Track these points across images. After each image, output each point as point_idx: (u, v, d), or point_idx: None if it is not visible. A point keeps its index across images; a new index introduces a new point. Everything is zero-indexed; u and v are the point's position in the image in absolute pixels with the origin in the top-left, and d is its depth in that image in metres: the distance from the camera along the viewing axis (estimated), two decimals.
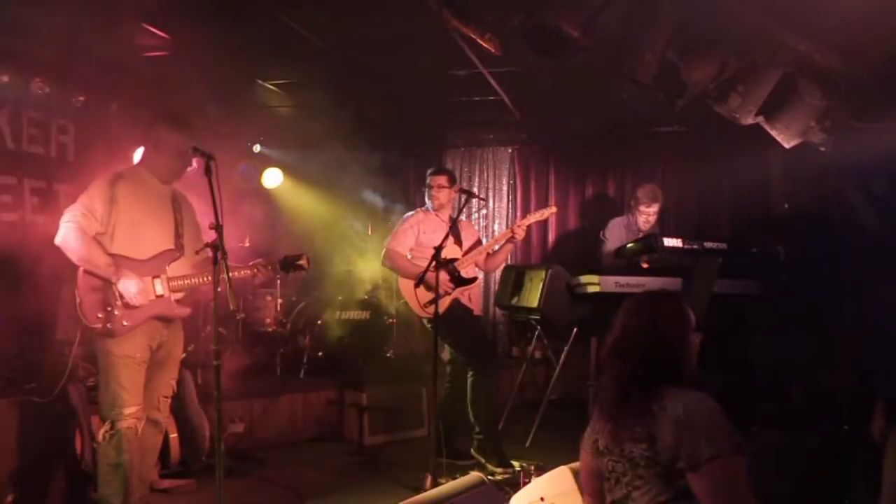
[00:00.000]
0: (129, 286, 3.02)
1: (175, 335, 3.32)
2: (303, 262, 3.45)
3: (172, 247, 3.24)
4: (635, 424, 1.85)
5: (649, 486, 1.82)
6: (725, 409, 1.81)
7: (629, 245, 4.59)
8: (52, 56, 3.98)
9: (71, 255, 3.00)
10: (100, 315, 3.02)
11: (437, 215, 4.51)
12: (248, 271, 3.36)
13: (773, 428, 4.00)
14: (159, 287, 3.16)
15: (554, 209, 4.82)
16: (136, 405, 3.08)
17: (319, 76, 4.83)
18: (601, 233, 5.25)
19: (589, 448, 2.04)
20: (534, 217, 4.56)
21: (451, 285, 4.24)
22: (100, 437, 3.07)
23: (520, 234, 4.37)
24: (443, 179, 4.51)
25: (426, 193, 4.58)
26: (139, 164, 3.35)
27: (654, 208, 5.07)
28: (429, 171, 4.64)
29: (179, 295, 3.24)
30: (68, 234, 2.99)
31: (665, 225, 6.00)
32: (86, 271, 3.03)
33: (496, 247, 4.64)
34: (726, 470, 1.70)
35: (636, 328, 1.97)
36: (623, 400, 1.91)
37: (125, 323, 3.04)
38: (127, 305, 3.04)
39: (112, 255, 3.06)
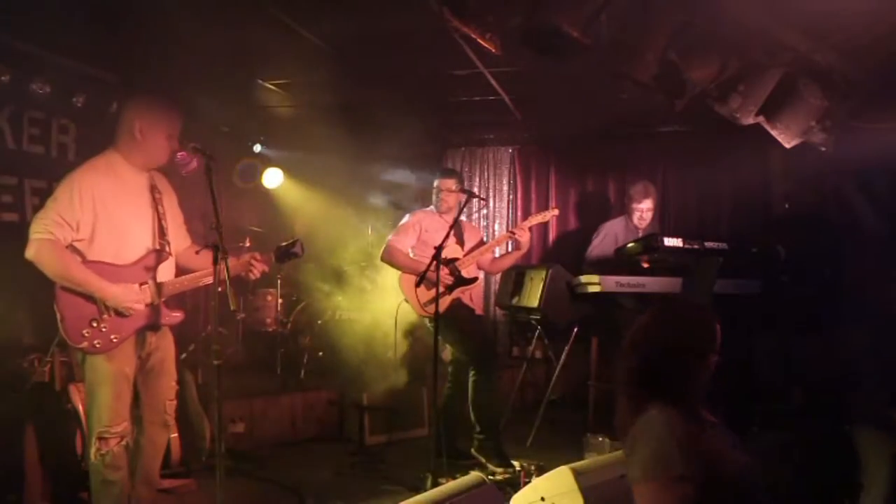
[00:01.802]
0: (118, 297, 2.79)
1: (165, 340, 3.12)
2: (296, 249, 3.24)
3: (158, 246, 2.99)
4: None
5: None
6: (725, 410, 1.80)
7: (629, 245, 4.60)
8: (53, 56, 3.98)
9: (46, 272, 2.72)
10: (85, 333, 2.77)
11: (441, 216, 4.51)
12: (242, 267, 3.16)
13: (774, 428, 4.00)
14: (148, 294, 2.92)
15: (556, 211, 4.83)
16: (123, 422, 2.91)
17: (319, 76, 4.83)
18: (594, 234, 5.27)
19: None
20: (536, 219, 4.57)
21: (451, 279, 4.24)
22: (92, 456, 2.89)
23: (522, 235, 4.36)
24: (452, 183, 4.50)
25: (434, 195, 4.57)
26: (114, 149, 2.94)
27: (647, 204, 5.07)
28: (438, 173, 4.64)
29: (168, 299, 3.05)
30: (40, 248, 2.69)
31: (665, 225, 6.00)
32: (63, 287, 2.77)
33: (497, 248, 4.65)
34: (655, 496, 1.70)
35: (647, 330, 1.93)
36: (625, 399, 1.90)
37: (113, 338, 2.82)
38: (118, 315, 2.83)
39: (93, 263, 2.80)
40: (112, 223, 2.85)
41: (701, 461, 1.69)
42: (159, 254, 2.98)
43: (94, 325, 2.79)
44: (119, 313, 2.84)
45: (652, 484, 1.70)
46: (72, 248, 2.80)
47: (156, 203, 3.03)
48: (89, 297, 2.78)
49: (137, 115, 2.92)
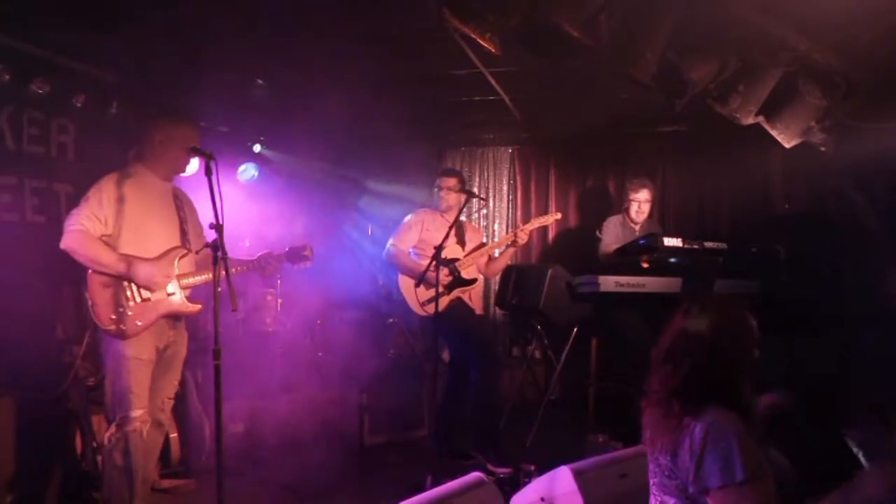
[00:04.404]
0: (148, 274, 3.03)
1: (180, 335, 3.34)
2: (307, 252, 3.51)
3: (179, 244, 3.25)
4: (666, 434, 1.81)
5: (674, 497, 1.81)
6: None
7: (629, 245, 4.60)
8: (54, 56, 3.98)
9: (79, 259, 2.99)
10: (113, 316, 3.01)
11: (442, 216, 4.52)
12: (256, 265, 3.39)
13: (773, 428, 4.00)
14: (170, 285, 3.16)
15: (558, 215, 4.82)
16: (142, 408, 3.09)
17: (319, 76, 4.83)
18: (597, 231, 5.24)
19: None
20: (537, 222, 4.57)
21: (450, 278, 4.24)
22: (106, 439, 3.08)
23: (522, 238, 4.36)
24: (453, 182, 4.52)
25: (435, 194, 4.60)
26: (139, 162, 3.30)
27: (644, 195, 5.05)
28: (440, 172, 4.66)
29: (188, 292, 3.26)
30: (74, 238, 2.97)
31: (665, 225, 6.00)
32: (96, 271, 3.01)
33: (497, 251, 4.64)
34: (737, 498, 1.66)
35: (695, 335, 1.85)
36: (667, 406, 1.84)
37: (138, 323, 3.05)
38: (144, 301, 3.06)
39: (120, 256, 3.05)
40: (136, 223, 3.12)
41: (767, 460, 1.70)
42: (180, 250, 3.24)
43: (121, 310, 3.04)
44: (146, 295, 3.06)
45: (736, 487, 1.65)
46: (101, 240, 3.05)
47: (178, 209, 3.34)
48: (119, 285, 3.03)
49: (159, 131, 3.25)
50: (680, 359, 1.85)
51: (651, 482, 1.95)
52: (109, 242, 3.05)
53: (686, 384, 1.81)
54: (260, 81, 5.20)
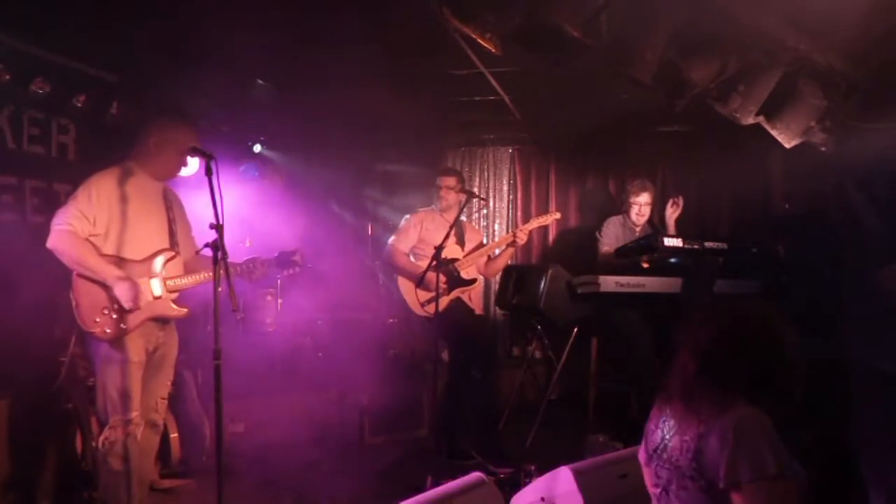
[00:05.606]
0: (124, 292, 2.96)
1: (170, 337, 3.30)
2: (297, 258, 3.46)
3: (167, 246, 3.21)
4: (687, 432, 1.78)
5: (695, 499, 1.75)
6: None
7: (629, 245, 4.60)
8: (53, 56, 3.98)
9: (64, 260, 2.94)
10: (97, 319, 2.98)
11: (441, 215, 4.52)
12: (243, 269, 3.36)
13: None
14: (156, 288, 3.12)
15: (558, 215, 4.82)
16: (134, 410, 3.05)
17: (318, 76, 4.83)
18: (596, 232, 5.24)
19: (640, 455, 1.98)
20: (536, 222, 4.57)
21: (445, 287, 4.24)
22: (100, 443, 3.04)
23: (521, 238, 4.37)
24: (452, 181, 4.52)
25: (434, 194, 4.60)
26: (131, 160, 3.24)
27: (644, 198, 5.05)
28: (439, 171, 4.66)
29: (175, 295, 3.21)
30: (60, 237, 2.92)
31: (665, 225, 6.00)
32: (80, 274, 2.98)
33: (497, 251, 4.64)
34: (768, 494, 1.64)
35: (716, 337, 1.83)
36: (688, 407, 1.81)
37: (123, 326, 3.01)
38: (124, 309, 3.00)
39: (106, 257, 3.01)
40: (125, 222, 3.07)
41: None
42: (168, 252, 3.20)
43: (106, 312, 2.99)
44: (123, 309, 2.99)
45: (767, 482, 1.63)
46: (88, 241, 3.00)
47: (167, 209, 3.29)
48: (103, 287, 2.98)
49: (154, 131, 3.22)
50: (701, 360, 1.82)
51: (660, 491, 1.86)
52: (97, 242, 3.01)
53: (709, 385, 1.79)
54: (260, 81, 5.20)
